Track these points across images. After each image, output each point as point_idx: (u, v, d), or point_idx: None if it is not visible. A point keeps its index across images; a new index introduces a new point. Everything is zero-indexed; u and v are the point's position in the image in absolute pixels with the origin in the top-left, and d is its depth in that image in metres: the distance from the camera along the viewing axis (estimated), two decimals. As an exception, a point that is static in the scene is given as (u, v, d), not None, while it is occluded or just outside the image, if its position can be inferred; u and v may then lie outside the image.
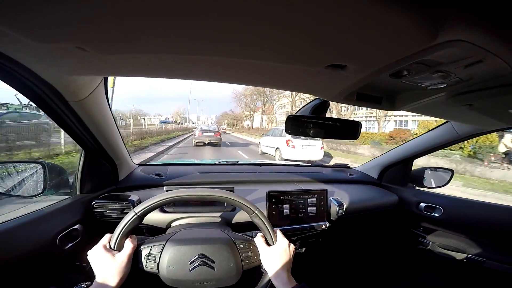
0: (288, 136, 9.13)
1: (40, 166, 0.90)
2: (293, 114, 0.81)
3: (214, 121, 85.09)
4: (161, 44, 0.40)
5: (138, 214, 0.66)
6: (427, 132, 1.37)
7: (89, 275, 0.62)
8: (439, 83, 0.57)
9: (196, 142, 13.71)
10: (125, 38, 0.37)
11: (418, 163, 1.60)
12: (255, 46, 0.39)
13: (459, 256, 1.33)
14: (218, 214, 1.00)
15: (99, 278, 0.60)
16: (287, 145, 9.08)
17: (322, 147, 9.43)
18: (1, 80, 0.56)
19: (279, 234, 0.75)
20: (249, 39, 0.37)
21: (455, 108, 0.75)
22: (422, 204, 1.42)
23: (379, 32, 0.34)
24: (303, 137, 8.62)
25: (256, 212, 0.72)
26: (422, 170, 1.54)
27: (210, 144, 13.63)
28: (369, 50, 0.40)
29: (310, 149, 9.13)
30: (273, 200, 1.05)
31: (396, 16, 0.30)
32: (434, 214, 1.37)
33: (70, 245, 0.82)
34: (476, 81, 0.54)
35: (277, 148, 9.71)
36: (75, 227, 0.85)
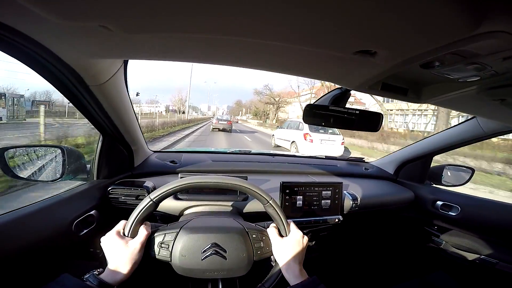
0: (306, 129, 8.41)
1: (59, 151, 0.92)
2: (311, 103, 0.79)
3: (226, 111, 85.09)
4: (188, 23, 0.38)
5: (154, 200, 0.66)
6: (450, 127, 1.31)
7: (103, 262, 0.62)
8: (472, 76, 0.53)
9: (213, 128, 18.62)
10: (152, 14, 0.36)
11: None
12: (282, 26, 0.37)
13: (472, 256, 1.29)
14: (231, 203, 1.00)
15: (111, 265, 0.60)
16: (305, 139, 8.32)
17: (342, 143, 8.69)
18: (23, 62, 0.56)
19: (292, 225, 0.74)
20: (277, 18, 0.35)
21: (485, 103, 0.71)
22: (439, 203, 1.37)
23: (419, 18, 0.32)
24: (323, 131, 7.72)
25: (270, 202, 0.71)
26: (441, 167, 1.49)
27: (223, 130, 18.21)
28: (404, 36, 0.37)
29: (329, 144, 8.43)
30: (287, 191, 1.04)
31: (440, 0, 0.28)
32: (450, 213, 1.33)
33: (85, 231, 0.83)
34: None
35: (293, 141, 8.98)
36: (91, 213, 0.87)
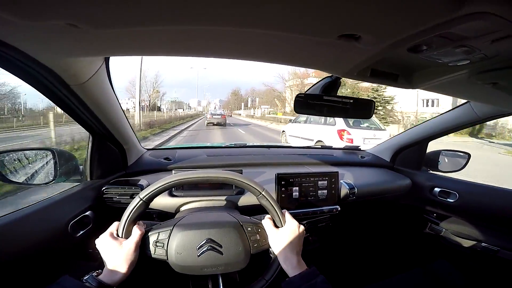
0: (341, 124, 6.11)
1: (50, 153, 0.91)
2: (302, 93, 0.78)
3: (219, 106, 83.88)
4: (161, 14, 0.36)
5: (143, 199, 0.65)
6: (444, 113, 1.31)
7: (101, 263, 0.63)
8: (461, 59, 0.52)
9: (208, 123, 19.18)
10: (118, 9, 0.34)
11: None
12: (262, 12, 0.35)
13: (473, 244, 1.30)
14: (227, 197, 0.99)
15: (108, 266, 0.60)
16: (341, 138, 6.03)
17: (389, 141, 6.81)
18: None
19: (287, 215, 0.73)
20: (257, 4, 0.33)
21: (477, 87, 0.70)
22: (437, 189, 1.37)
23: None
24: (365, 126, 6.32)
25: (263, 193, 0.70)
26: (437, 153, 1.48)
27: (218, 124, 18.74)
28: (386, 18, 0.36)
29: (374, 144, 5.36)
30: (282, 183, 1.03)
31: None
32: (448, 199, 1.33)
33: (81, 232, 0.82)
34: (504, 58, 0.49)
35: (319, 141, 6.60)
36: (86, 213, 0.86)
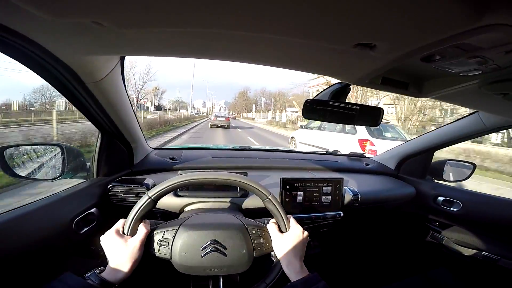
0: (363, 133, 5.32)
1: (58, 149, 0.92)
2: (311, 98, 0.78)
3: (224, 108, 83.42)
4: (183, 17, 0.37)
5: (152, 198, 0.65)
6: (451, 122, 1.30)
7: (104, 260, 0.63)
8: (474, 70, 0.52)
9: (212, 125, 18.87)
10: (144, 10, 0.35)
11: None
12: (280, 19, 0.36)
13: (473, 253, 1.29)
14: (231, 199, 1.00)
15: (111, 263, 0.60)
16: (362, 149, 5.11)
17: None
18: (18, 61, 0.56)
19: (292, 221, 0.74)
20: (275, 11, 0.34)
21: (487, 97, 0.70)
22: (440, 198, 1.37)
23: (419, 10, 0.31)
24: (390, 135, 5.66)
25: (269, 197, 0.71)
26: (442, 163, 1.48)
27: (221, 126, 18.50)
28: (404, 29, 0.36)
29: None
30: (287, 187, 1.03)
31: None
32: (452, 208, 1.32)
33: (85, 229, 0.83)
34: None
35: (336, 151, 4.41)
36: (91, 211, 0.86)
